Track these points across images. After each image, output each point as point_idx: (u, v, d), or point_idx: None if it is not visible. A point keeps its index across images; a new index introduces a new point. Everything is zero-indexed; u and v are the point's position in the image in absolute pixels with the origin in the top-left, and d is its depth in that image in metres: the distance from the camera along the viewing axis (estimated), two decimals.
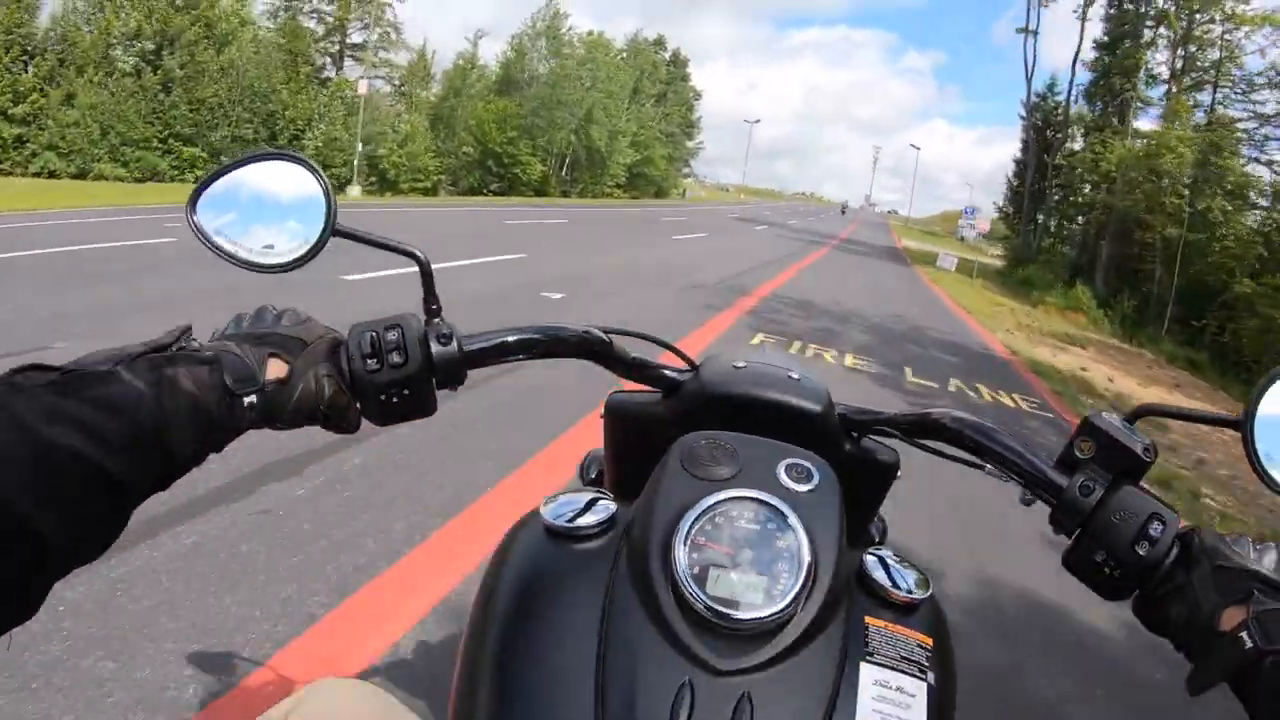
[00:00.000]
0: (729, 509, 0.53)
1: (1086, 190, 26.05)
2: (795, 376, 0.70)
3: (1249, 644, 0.46)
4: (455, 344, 0.60)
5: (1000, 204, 34.73)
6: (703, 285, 10.32)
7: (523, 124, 31.19)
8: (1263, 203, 20.41)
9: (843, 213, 79.77)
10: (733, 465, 0.56)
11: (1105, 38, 25.84)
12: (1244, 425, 0.54)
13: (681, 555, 0.51)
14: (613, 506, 0.58)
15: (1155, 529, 0.53)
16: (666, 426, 0.66)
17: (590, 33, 37.61)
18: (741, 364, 0.70)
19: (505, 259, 9.94)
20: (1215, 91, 23.91)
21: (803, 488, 0.55)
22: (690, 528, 0.52)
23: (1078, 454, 0.58)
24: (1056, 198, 28.56)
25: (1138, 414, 0.58)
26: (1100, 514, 0.55)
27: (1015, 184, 31.89)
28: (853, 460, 0.70)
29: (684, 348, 0.75)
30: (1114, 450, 0.56)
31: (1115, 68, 24.86)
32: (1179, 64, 24.06)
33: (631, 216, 25.08)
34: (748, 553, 0.52)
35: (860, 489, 0.69)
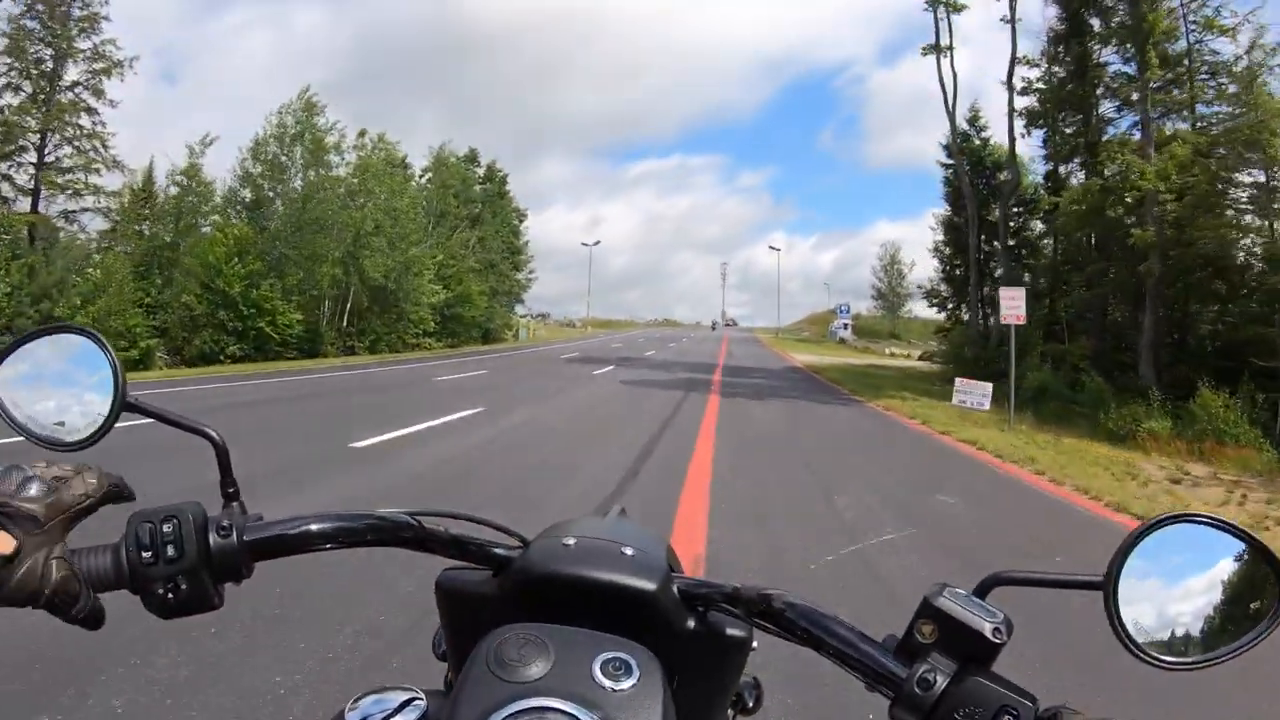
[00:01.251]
0: (530, 718, 0.47)
1: (1082, 238, 17.68)
2: (629, 553, 0.63)
3: None
4: (234, 536, 0.56)
5: (925, 284, 26.62)
6: None
7: (266, 256, 20.74)
8: None
9: (714, 329, 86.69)
10: (544, 663, 0.50)
11: (1062, 24, 17.96)
12: (1106, 587, 0.50)
13: None
14: (424, 705, 0.54)
15: None
16: (496, 609, 0.60)
17: (363, 132, 27.64)
18: (572, 541, 0.63)
19: None
20: (1191, 87, 17.07)
21: (621, 685, 0.50)
22: None
23: (919, 639, 0.51)
24: (1012, 261, 20.20)
25: (988, 585, 0.52)
26: (942, 709, 0.49)
27: (949, 254, 23.62)
28: (698, 638, 0.63)
29: None
30: (960, 633, 0.50)
31: (1088, 56, 16.96)
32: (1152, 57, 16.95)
33: (368, 384, 14.03)
34: None
35: (710, 668, 0.64)
